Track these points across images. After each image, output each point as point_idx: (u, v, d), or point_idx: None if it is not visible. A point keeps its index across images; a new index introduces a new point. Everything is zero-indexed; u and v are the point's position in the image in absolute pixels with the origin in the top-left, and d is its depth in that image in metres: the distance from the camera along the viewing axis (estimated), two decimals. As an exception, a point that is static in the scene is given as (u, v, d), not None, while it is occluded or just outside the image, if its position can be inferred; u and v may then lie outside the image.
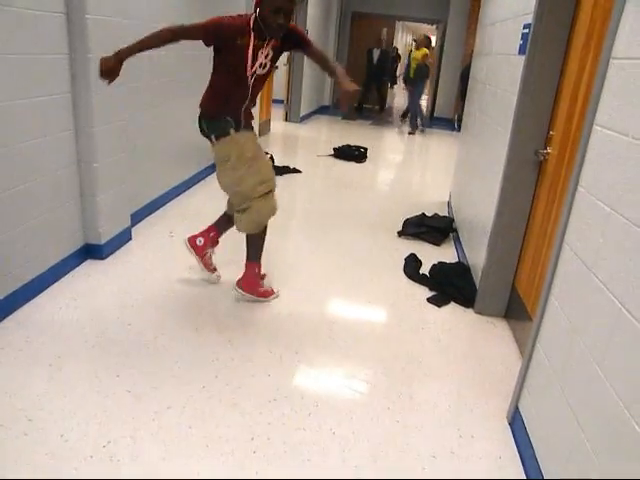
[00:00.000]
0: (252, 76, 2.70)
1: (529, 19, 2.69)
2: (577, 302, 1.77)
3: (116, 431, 1.99)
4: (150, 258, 3.51)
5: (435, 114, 11.92)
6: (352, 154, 7.15)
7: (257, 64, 2.68)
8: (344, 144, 7.40)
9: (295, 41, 2.77)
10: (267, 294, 3.09)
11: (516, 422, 2.18)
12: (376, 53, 12.02)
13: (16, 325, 2.60)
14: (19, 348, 2.43)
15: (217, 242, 3.22)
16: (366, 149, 7.30)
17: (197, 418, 2.09)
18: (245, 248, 3.01)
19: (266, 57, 2.70)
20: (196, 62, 4.86)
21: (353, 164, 7.00)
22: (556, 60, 2.60)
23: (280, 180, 5.71)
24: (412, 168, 7.89)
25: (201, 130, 2.85)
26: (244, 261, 3.03)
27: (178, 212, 4.46)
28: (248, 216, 2.87)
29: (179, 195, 4.82)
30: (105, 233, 3.37)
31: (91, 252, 3.35)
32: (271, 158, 6.10)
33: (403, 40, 24.41)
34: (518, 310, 2.92)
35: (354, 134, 9.27)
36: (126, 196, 3.62)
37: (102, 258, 3.36)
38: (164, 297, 3.01)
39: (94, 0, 2.91)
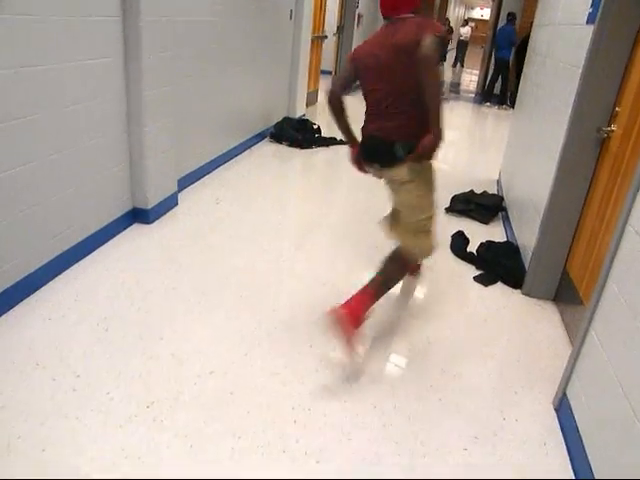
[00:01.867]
0: None
1: (601, -15, 2.52)
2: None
3: (159, 392, 2.02)
4: (196, 224, 3.53)
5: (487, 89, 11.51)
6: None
7: None
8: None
9: None
10: (351, 343, 2.20)
11: (563, 408, 2.11)
12: None
13: (66, 284, 2.66)
14: (68, 306, 2.49)
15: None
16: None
17: (239, 385, 2.10)
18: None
19: None
20: (245, 31, 4.82)
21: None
22: (630, 29, 2.41)
23: (327, 151, 5.72)
24: (461, 143, 7.68)
25: (391, 156, 2.31)
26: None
27: (224, 180, 4.46)
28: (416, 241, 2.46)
29: (225, 163, 4.82)
30: (152, 198, 3.40)
31: (138, 216, 3.39)
32: (318, 129, 6.06)
33: (456, 13, 23.77)
34: (569, 294, 2.82)
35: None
36: (173, 161, 3.63)
37: (149, 222, 3.40)
38: (208, 263, 3.03)
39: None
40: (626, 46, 2.46)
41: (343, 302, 2.21)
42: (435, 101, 2.16)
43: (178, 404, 1.98)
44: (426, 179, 2.43)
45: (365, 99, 2.41)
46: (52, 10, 2.39)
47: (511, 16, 10.01)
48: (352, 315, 2.16)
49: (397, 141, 2.29)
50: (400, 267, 2.48)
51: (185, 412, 1.95)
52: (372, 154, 2.44)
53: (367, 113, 2.43)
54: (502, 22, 10.68)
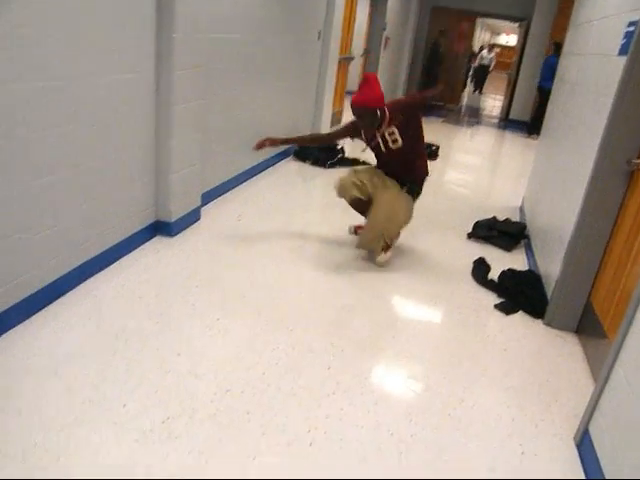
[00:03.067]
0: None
1: (635, 16, 2.51)
2: (670, 325, 1.64)
3: (175, 408, 2.01)
4: (217, 240, 3.54)
5: (510, 116, 11.49)
6: (423, 151, 6.99)
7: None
8: (415, 140, 7.23)
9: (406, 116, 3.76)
10: None
11: (584, 444, 2.06)
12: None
13: (85, 295, 2.68)
14: (87, 317, 2.50)
15: None
16: (438, 147, 7.13)
17: (255, 404, 2.09)
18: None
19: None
20: (274, 49, 4.88)
21: (423, 161, 6.84)
22: (663, 62, 2.41)
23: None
24: (484, 170, 7.66)
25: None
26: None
27: (246, 196, 4.48)
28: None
29: (248, 180, 4.85)
30: (176, 211, 3.42)
31: (161, 229, 3.41)
32: (342, 149, 6.08)
33: (481, 38, 23.90)
34: (592, 326, 2.76)
35: (425, 131, 9.06)
36: (198, 176, 3.66)
37: (171, 236, 3.42)
38: (228, 279, 3.03)
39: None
40: (659, 78, 2.44)
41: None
42: None
43: (193, 421, 1.96)
44: None
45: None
46: (85, 22, 2.44)
47: (557, 46, 9.51)
48: None
49: None
50: None
51: (200, 430, 1.93)
52: None
53: None
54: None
